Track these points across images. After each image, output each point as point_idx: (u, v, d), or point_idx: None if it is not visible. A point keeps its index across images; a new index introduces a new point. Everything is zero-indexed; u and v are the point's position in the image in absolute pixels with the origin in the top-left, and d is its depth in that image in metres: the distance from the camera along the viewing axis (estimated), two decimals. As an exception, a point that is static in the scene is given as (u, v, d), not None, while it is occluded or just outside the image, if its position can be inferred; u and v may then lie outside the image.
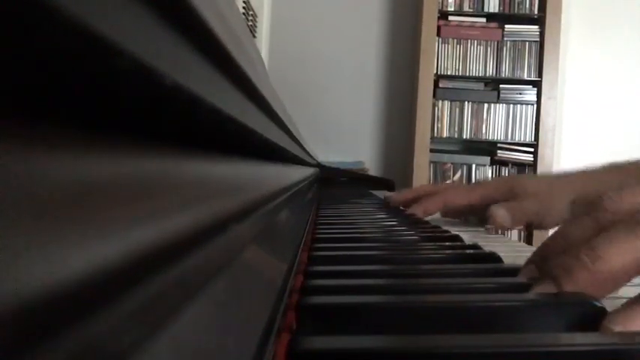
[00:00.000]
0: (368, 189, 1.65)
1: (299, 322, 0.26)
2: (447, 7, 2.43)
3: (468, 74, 2.44)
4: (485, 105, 2.46)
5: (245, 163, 0.31)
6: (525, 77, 2.43)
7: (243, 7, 1.73)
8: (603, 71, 2.60)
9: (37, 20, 0.07)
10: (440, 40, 2.44)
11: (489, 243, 0.53)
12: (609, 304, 0.27)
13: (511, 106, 2.44)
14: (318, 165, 1.69)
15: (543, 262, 0.33)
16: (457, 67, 2.44)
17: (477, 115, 2.46)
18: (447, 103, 2.46)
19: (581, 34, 2.58)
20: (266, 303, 0.20)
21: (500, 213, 0.71)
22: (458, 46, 2.45)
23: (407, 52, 2.62)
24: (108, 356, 0.08)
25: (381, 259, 0.43)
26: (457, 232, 0.56)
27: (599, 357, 0.22)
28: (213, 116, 0.18)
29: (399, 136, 2.63)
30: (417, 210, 0.82)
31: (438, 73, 2.43)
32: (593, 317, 0.26)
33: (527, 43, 2.43)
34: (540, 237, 1.87)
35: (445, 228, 0.61)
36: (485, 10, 2.44)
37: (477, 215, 0.82)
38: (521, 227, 0.77)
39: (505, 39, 2.44)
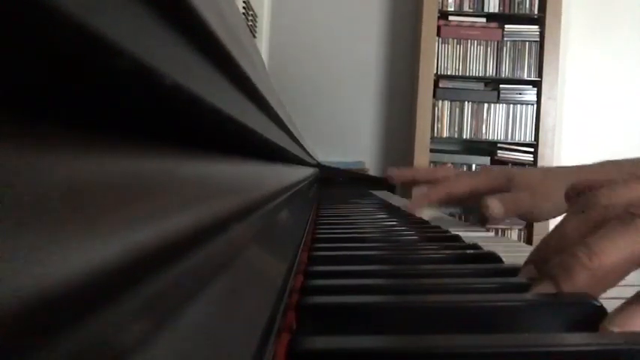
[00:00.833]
0: (368, 189, 1.65)
1: (299, 322, 0.26)
2: (447, 7, 2.43)
3: (468, 74, 2.44)
4: (485, 105, 2.46)
5: (245, 163, 0.31)
6: (525, 77, 2.43)
7: (243, 7, 1.73)
8: (603, 71, 2.60)
9: (38, 20, 0.07)
10: (440, 40, 2.43)
11: (489, 243, 0.53)
12: (609, 304, 0.27)
13: (511, 106, 2.44)
14: (318, 165, 1.69)
15: (541, 261, 0.33)
16: (457, 67, 2.44)
17: (477, 115, 2.46)
18: (447, 103, 2.46)
19: (581, 34, 2.58)
20: (266, 303, 0.20)
21: (493, 204, 0.72)
22: (458, 46, 2.45)
23: (407, 52, 2.62)
24: (108, 356, 0.08)
25: (381, 259, 0.43)
26: (457, 232, 0.56)
27: (599, 357, 0.22)
28: (213, 116, 0.18)
29: (399, 136, 2.63)
30: (421, 200, 0.83)
31: (438, 73, 2.43)
32: (593, 317, 0.26)
33: (527, 43, 2.43)
34: (540, 237, 1.87)
35: (445, 228, 0.61)
36: (485, 10, 2.44)
37: (471, 205, 0.83)
38: (515, 218, 0.78)
39: (505, 39, 2.44)
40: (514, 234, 2.38)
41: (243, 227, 0.22)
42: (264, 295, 0.21)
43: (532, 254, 0.36)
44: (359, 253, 0.44)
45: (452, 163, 2.48)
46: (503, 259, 0.40)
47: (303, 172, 0.91)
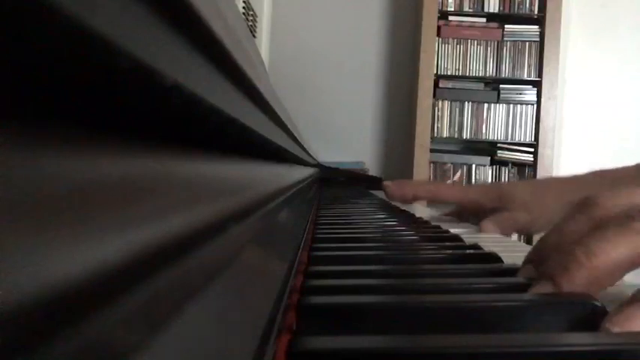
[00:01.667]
0: (368, 189, 1.65)
1: (299, 322, 0.26)
2: (447, 7, 2.43)
3: (468, 74, 2.44)
4: (485, 105, 2.46)
5: (245, 163, 0.31)
6: (525, 77, 2.43)
7: (243, 7, 1.73)
8: (603, 71, 2.60)
9: (38, 20, 0.07)
10: (440, 40, 2.43)
11: (488, 244, 0.53)
12: (610, 305, 0.27)
13: (511, 106, 2.44)
14: (318, 165, 1.69)
15: (540, 261, 0.33)
16: (457, 67, 2.44)
17: (477, 115, 2.46)
18: (447, 103, 2.46)
19: (581, 34, 2.58)
20: (266, 303, 0.20)
21: (489, 228, 0.74)
22: (458, 46, 2.45)
23: (407, 53, 2.62)
24: (108, 355, 0.08)
25: (381, 259, 0.43)
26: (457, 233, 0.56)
27: (599, 357, 0.22)
28: (213, 116, 0.18)
29: (399, 136, 2.63)
30: (407, 191, 0.86)
31: (438, 73, 2.43)
32: (593, 317, 0.26)
33: (527, 43, 2.43)
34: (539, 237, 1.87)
35: (445, 228, 0.61)
36: (486, 10, 2.44)
37: (463, 220, 0.85)
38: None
39: (505, 39, 2.44)
40: (514, 234, 2.38)
41: (243, 227, 0.22)
42: (265, 295, 0.21)
43: (530, 253, 0.36)
44: (359, 253, 0.44)
45: (452, 163, 2.48)
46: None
47: (303, 172, 0.91)
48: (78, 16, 0.08)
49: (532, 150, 2.43)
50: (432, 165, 2.45)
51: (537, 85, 2.42)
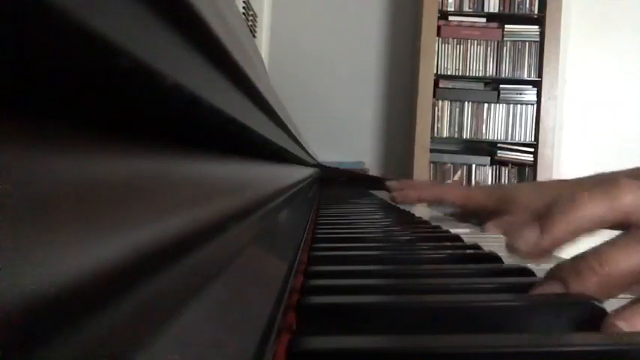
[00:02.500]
0: (368, 189, 1.65)
1: (299, 322, 0.26)
2: (447, 7, 2.43)
3: (468, 74, 2.44)
4: (485, 105, 2.46)
5: (245, 163, 0.31)
6: (525, 77, 2.43)
7: (243, 7, 1.73)
8: (603, 71, 2.60)
9: (39, 20, 0.07)
10: (440, 40, 2.43)
11: (488, 243, 0.53)
12: (613, 303, 0.27)
13: (511, 106, 2.44)
14: (318, 165, 1.69)
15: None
16: (457, 67, 2.44)
17: (477, 115, 2.46)
18: (447, 103, 2.46)
19: (581, 34, 2.58)
20: (266, 303, 0.20)
21: (492, 232, 0.75)
22: (458, 46, 2.45)
23: (407, 52, 2.62)
24: (108, 356, 0.08)
25: (381, 259, 0.43)
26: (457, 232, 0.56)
27: (600, 357, 0.22)
28: (213, 116, 0.18)
29: (399, 136, 2.63)
30: (412, 195, 0.86)
31: (438, 73, 2.43)
32: (594, 318, 0.26)
33: (527, 43, 2.43)
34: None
35: (445, 228, 0.61)
36: (486, 10, 2.44)
37: (464, 221, 0.86)
38: None
39: (505, 39, 2.44)
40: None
41: (243, 227, 0.22)
42: (265, 295, 0.21)
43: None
44: (359, 253, 0.44)
45: (452, 163, 2.48)
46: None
47: (304, 172, 0.91)
48: (78, 16, 0.08)
49: (532, 150, 2.43)
50: (432, 165, 2.45)
51: (537, 85, 2.42)
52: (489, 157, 2.47)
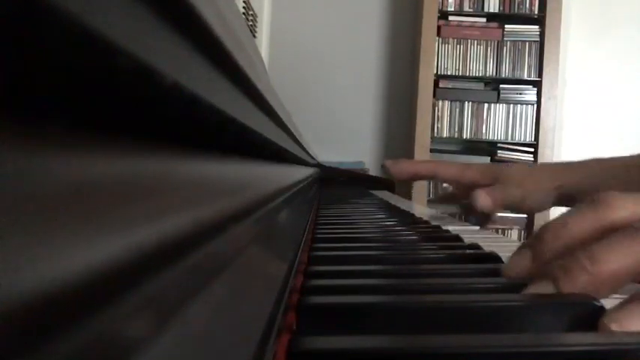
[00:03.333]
0: (368, 189, 1.65)
1: (299, 322, 0.26)
2: (447, 7, 2.43)
3: (468, 74, 2.44)
4: (485, 105, 2.46)
5: (245, 163, 0.31)
6: (525, 77, 2.43)
7: (243, 7, 1.73)
8: (603, 71, 2.60)
9: (38, 20, 0.07)
10: (440, 40, 2.44)
11: (488, 243, 0.53)
12: (610, 303, 0.27)
13: (511, 106, 2.44)
14: (319, 165, 1.69)
15: (539, 251, 0.33)
16: (457, 67, 2.44)
17: (477, 115, 2.46)
18: (447, 103, 2.46)
19: (581, 34, 2.58)
20: (266, 303, 0.20)
21: (481, 197, 0.75)
22: (458, 46, 2.45)
23: (407, 52, 2.62)
24: (108, 356, 0.08)
25: (381, 259, 0.43)
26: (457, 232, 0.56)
27: (599, 357, 0.22)
28: (213, 116, 0.18)
29: (399, 136, 2.63)
30: (408, 168, 0.87)
31: (438, 73, 2.43)
32: (593, 317, 0.26)
33: (527, 43, 2.43)
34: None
35: (445, 228, 0.61)
36: (486, 10, 2.44)
37: (458, 202, 0.87)
38: (514, 222, 0.83)
39: (505, 39, 2.44)
40: (514, 234, 2.38)
41: (243, 227, 0.22)
42: (265, 295, 0.21)
43: (530, 239, 0.35)
44: (359, 253, 0.44)
45: (452, 163, 2.48)
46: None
47: (304, 172, 0.91)
48: (78, 16, 0.08)
49: (532, 150, 2.43)
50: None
51: (537, 85, 2.42)
52: (489, 157, 2.47)
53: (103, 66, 0.10)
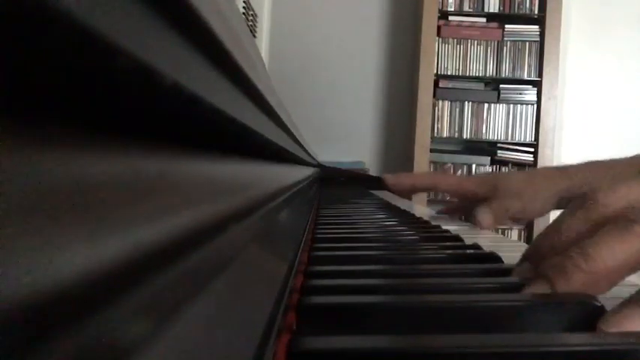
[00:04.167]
0: (368, 189, 1.65)
1: (299, 322, 0.26)
2: (447, 7, 2.43)
3: (468, 74, 2.44)
4: (486, 105, 2.46)
5: (245, 163, 0.31)
6: (525, 77, 2.43)
7: (243, 7, 1.73)
8: (603, 71, 2.60)
9: (38, 20, 0.07)
10: (440, 40, 2.43)
11: (488, 243, 0.53)
12: (608, 304, 0.27)
13: (511, 106, 2.44)
14: (319, 165, 1.69)
15: (538, 259, 0.34)
16: (457, 67, 2.44)
17: (477, 115, 2.46)
18: (447, 103, 2.46)
19: (581, 34, 2.58)
20: (266, 303, 0.20)
21: (483, 216, 0.75)
22: (458, 46, 2.45)
23: (407, 52, 2.61)
24: (108, 356, 0.08)
25: (381, 259, 0.43)
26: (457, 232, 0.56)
27: (599, 357, 0.22)
28: (214, 116, 0.18)
29: (399, 136, 2.63)
30: (407, 182, 0.87)
31: (438, 73, 2.43)
32: (593, 317, 0.26)
33: (527, 43, 2.43)
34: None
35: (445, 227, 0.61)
36: (486, 10, 2.44)
37: (459, 213, 0.87)
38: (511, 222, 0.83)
39: (505, 39, 2.44)
40: (514, 234, 2.38)
41: (243, 227, 0.22)
42: (265, 295, 0.21)
43: (528, 250, 0.36)
44: (359, 252, 0.44)
45: (452, 163, 2.48)
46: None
47: (304, 172, 0.91)
48: (77, 16, 0.08)
49: (532, 150, 2.43)
50: (432, 165, 2.45)
51: (537, 85, 2.42)
52: (489, 157, 2.47)
53: (102, 65, 0.10)
